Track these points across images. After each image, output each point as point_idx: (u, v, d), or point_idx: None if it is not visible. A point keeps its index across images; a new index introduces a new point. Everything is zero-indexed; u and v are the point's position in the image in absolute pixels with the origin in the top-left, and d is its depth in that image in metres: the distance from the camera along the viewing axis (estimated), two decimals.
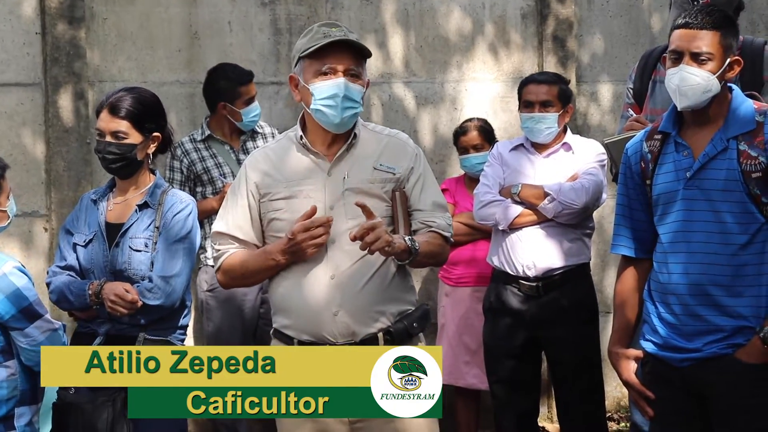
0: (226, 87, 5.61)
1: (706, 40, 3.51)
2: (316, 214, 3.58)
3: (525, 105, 5.10)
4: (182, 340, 4.09)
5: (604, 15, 6.54)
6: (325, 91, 3.62)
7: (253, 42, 6.10)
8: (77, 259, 4.04)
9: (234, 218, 3.73)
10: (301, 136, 3.72)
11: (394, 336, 3.65)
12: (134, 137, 4.03)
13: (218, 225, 3.76)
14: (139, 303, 3.89)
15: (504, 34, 6.44)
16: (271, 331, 3.79)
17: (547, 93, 5.07)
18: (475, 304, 5.38)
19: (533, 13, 6.45)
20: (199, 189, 5.63)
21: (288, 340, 3.69)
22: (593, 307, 5.12)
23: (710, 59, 3.51)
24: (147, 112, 4.06)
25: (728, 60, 3.53)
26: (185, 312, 4.09)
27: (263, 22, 6.12)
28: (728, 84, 3.60)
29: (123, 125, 4.01)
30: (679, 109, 3.58)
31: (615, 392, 6.30)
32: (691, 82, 3.51)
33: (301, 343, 3.66)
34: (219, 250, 3.75)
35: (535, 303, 4.96)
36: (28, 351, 3.69)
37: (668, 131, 3.61)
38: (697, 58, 3.52)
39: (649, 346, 3.65)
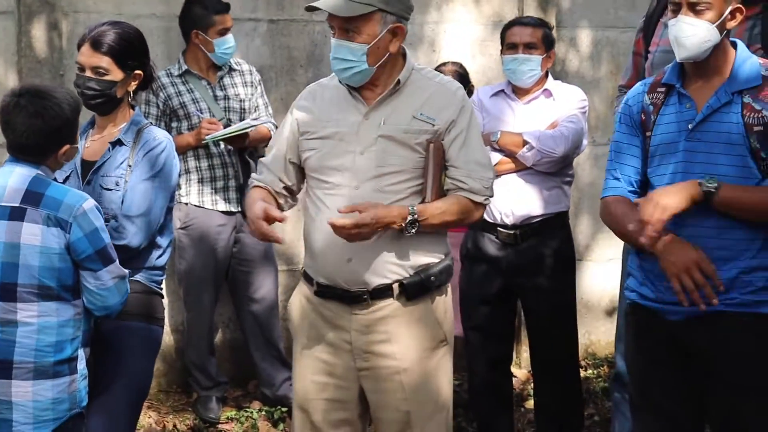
0: (199, 14, 5.54)
1: None
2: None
3: (508, 47, 5.06)
4: (158, 282, 4.03)
5: None
6: (332, 50, 3.61)
7: None
8: None
9: (274, 147, 3.85)
10: None
11: (408, 288, 3.63)
12: (115, 74, 3.94)
13: (266, 154, 3.88)
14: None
15: None
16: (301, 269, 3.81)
17: (531, 35, 5.03)
18: (452, 250, 5.35)
19: None
20: (174, 124, 5.57)
21: (309, 280, 3.73)
22: (571, 256, 5.12)
23: (708, 8, 3.45)
24: (130, 48, 3.96)
25: (729, 8, 3.47)
26: (159, 252, 4.00)
27: None
28: (732, 39, 3.55)
29: (104, 61, 3.92)
30: (678, 60, 3.54)
31: (584, 339, 6.34)
32: (688, 32, 3.46)
33: (319, 284, 3.68)
34: (253, 176, 3.88)
35: (513, 251, 4.95)
36: (95, 294, 3.62)
37: (672, 83, 3.58)
38: (694, 8, 3.46)
39: (634, 296, 3.64)
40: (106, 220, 3.79)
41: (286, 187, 3.81)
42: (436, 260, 3.69)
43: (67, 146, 3.66)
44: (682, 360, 3.55)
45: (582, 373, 5.90)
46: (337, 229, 3.48)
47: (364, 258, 3.59)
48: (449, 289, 3.79)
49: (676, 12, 3.52)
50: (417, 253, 3.64)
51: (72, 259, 3.60)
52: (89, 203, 3.63)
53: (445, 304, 3.76)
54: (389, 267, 3.62)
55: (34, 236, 3.56)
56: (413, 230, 3.55)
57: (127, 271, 3.72)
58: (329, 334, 3.71)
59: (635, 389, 3.75)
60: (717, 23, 3.45)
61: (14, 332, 3.56)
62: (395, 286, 3.63)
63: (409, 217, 3.54)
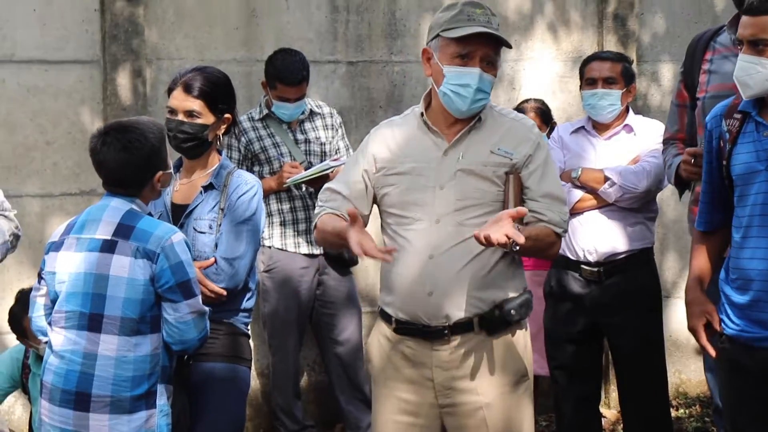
0: (269, 71, 5.57)
1: (762, 26, 3.36)
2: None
3: (588, 82, 5.03)
4: (246, 324, 4.07)
5: None
6: (459, 78, 3.59)
7: (310, 20, 6.05)
8: None
9: (346, 179, 3.76)
10: (422, 113, 3.71)
11: (489, 322, 3.61)
12: (207, 117, 4.00)
13: (332, 183, 3.81)
14: (223, 292, 3.91)
15: (563, 13, 6.36)
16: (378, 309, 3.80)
17: (610, 70, 5.00)
18: (536, 289, 5.24)
19: None
20: (256, 168, 5.61)
21: (387, 318, 3.71)
22: (656, 293, 5.04)
23: None
24: (220, 92, 4.03)
25: None
26: (249, 295, 4.05)
27: (321, 0, 6.06)
28: None
29: (197, 104, 3.98)
30: (745, 98, 3.47)
31: (674, 378, 6.23)
32: (750, 71, 3.40)
33: (398, 321, 3.67)
34: (320, 204, 3.77)
35: (597, 288, 4.89)
36: (173, 326, 3.67)
37: (748, 110, 3.51)
38: (755, 47, 3.39)
39: (725, 329, 3.59)
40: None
41: (362, 217, 3.76)
42: (515, 294, 3.66)
43: (161, 173, 3.74)
44: None
45: (673, 413, 5.80)
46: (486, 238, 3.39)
47: (445, 291, 3.58)
48: (528, 324, 3.75)
49: (741, 49, 3.45)
50: (496, 287, 3.63)
51: (155, 291, 3.65)
52: (178, 236, 3.69)
53: (525, 338, 3.73)
54: (469, 301, 3.60)
55: (123, 268, 3.62)
56: (517, 248, 3.46)
57: (207, 308, 3.76)
58: (409, 372, 3.69)
59: (729, 423, 3.68)
60: None
61: (93, 365, 3.60)
62: (475, 320, 3.61)
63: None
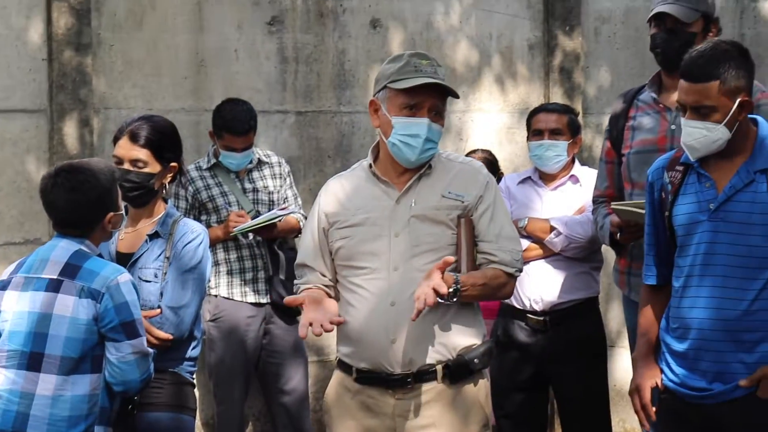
0: (216, 121, 5.57)
1: (704, 93, 3.38)
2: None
3: (534, 133, 5.08)
4: (191, 373, 4.05)
5: (611, 47, 6.54)
6: (408, 128, 3.61)
7: (259, 70, 6.08)
8: None
9: (306, 247, 3.80)
10: (370, 165, 3.73)
11: (453, 370, 3.61)
12: (153, 166, 4.00)
13: (298, 256, 3.85)
14: (168, 337, 3.90)
15: (510, 65, 6.43)
16: (336, 360, 3.79)
17: (556, 121, 5.06)
18: None
19: (540, 45, 6.45)
20: (204, 217, 5.60)
21: (347, 368, 3.70)
22: (601, 342, 5.08)
23: (712, 111, 3.39)
24: (166, 141, 4.04)
25: (736, 104, 3.38)
26: (194, 343, 4.03)
27: (270, 51, 6.10)
28: (752, 116, 3.52)
29: (143, 153, 3.98)
30: (693, 160, 3.50)
31: (618, 427, 6.26)
32: (696, 135, 3.43)
33: (359, 371, 3.65)
34: (295, 283, 3.83)
35: (543, 337, 4.92)
36: (115, 366, 3.65)
37: (690, 162, 3.54)
38: (698, 112, 3.41)
39: (665, 380, 3.60)
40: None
41: (330, 280, 3.79)
42: (478, 341, 3.67)
43: (111, 214, 3.74)
44: None
45: None
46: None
47: (409, 338, 3.57)
48: (486, 373, 3.76)
49: (683, 112, 3.48)
50: (458, 333, 3.63)
51: (98, 330, 3.63)
52: (125, 277, 3.69)
53: (487, 387, 3.73)
54: (433, 347, 3.60)
55: (66, 307, 3.62)
56: (454, 299, 3.52)
57: (151, 350, 3.75)
58: (370, 422, 3.68)
59: None
60: (725, 121, 3.39)
61: (30, 404, 3.58)
62: (439, 368, 3.61)
63: (453, 286, 3.51)
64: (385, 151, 3.71)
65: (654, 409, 3.61)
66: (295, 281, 3.85)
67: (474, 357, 3.63)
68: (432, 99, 3.62)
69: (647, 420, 3.62)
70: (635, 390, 3.66)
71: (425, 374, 3.61)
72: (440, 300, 3.47)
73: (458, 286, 3.53)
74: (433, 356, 3.60)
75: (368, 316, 3.60)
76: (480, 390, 3.70)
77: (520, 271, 3.75)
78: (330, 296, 3.73)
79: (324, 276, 3.77)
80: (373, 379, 3.65)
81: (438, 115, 3.64)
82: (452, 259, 3.52)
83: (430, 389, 3.62)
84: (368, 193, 3.72)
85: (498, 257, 3.67)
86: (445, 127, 3.49)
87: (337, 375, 3.79)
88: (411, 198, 3.67)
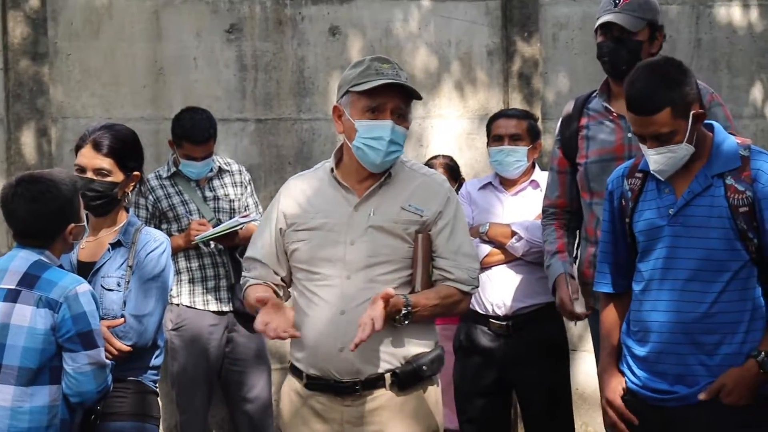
0: (176, 130, 5.55)
1: (659, 123, 3.40)
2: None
3: (494, 139, 5.10)
4: (154, 381, 4.02)
5: (569, 53, 6.57)
6: (372, 131, 3.60)
7: (219, 78, 6.08)
8: None
9: (261, 243, 3.78)
10: (332, 169, 3.72)
11: (401, 378, 3.61)
12: (116, 175, 3.98)
13: (249, 250, 3.82)
14: (128, 349, 3.87)
15: (470, 72, 6.45)
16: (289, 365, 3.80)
17: (516, 127, 5.08)
18: (445, 343, 5.27)
19: (499, 51, 6.47)
20: (164, 226, 5.57)
21: (298, 373, 3.70)
22: (564, 346, 5.10)
23: (672, 135, 3.42)
24: (129, 150, 4.02)
25: (690, 119, 3.41)
26: (157, 352, 4.02)
27: (229, 58, 6.09)
28: (708, 122, 3.56)
29: (106, 162, 3.96)
30: (662, 179, 3.52)
31: (581, 431, 6.28)
32: (662, 161, 3.46)
33: (309, 377, 3.65)
34: (243, 275, 3.82)
35: (505, 342, 4.93)
36: (71, 377, 3.62)
37: (648, 170, 3.56)
38: (659, 139, 3.44)
39: (627, 383, 3.62)
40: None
41: (282, 279, 3.79)
42: (427, 349, 3.67)
43: (73, 225, 3.72)
44: None
45: None
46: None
47: (357, 347, 3.56)
48: (439, 379, 3.76)
49: (643, 142, 3.49)
50: (408, 342, 3.63)
51: (56, 341, 3.61)
52: (84, 287, 3.67)
53: (437, 394, 3.73)
54: (381, 356, 3.59)
55: (24, 317, 3.60)
56: (406, 322, 3.54)
57: (109, 362, 3.73)
58: (320, 428, 3.68)
59: None
60: (686, 138, 3.43)
61: None
62: (387, 375, 3.60)
63: (404, 310, 3.52)
64: (349, 156, 3.70)
65: (629, 413, 3.62)
66: (244, 273, 3.84)
67: (423, 364, 3.63)
68: (395, 100, 3.61)
69: (628, 426, 3.62)
70: (607, 404, 3.66)
71: (374, 382, 3.61)
72: (392, 322, 3.50)
73: (410, 309, 3.54)
74: (382, 365, 3.60)
75: (319, 323, 3.60)
76: (429, 396, 3.70)
77: (476, 288, 3.75)
78: (278, 295, 3.73)
79: (277, 274, 3.77)
80: (322, 385, 3.65)
81: (402, 117, 3.63)
82: (393, 292, 3.48)
83: (378, 396, 3.63)
84: (328, 198, 3.71)
85: (454, 275, 3.67)
86: None
87: (289, 380, 3.79)
88: (370, 206, 3.66)
